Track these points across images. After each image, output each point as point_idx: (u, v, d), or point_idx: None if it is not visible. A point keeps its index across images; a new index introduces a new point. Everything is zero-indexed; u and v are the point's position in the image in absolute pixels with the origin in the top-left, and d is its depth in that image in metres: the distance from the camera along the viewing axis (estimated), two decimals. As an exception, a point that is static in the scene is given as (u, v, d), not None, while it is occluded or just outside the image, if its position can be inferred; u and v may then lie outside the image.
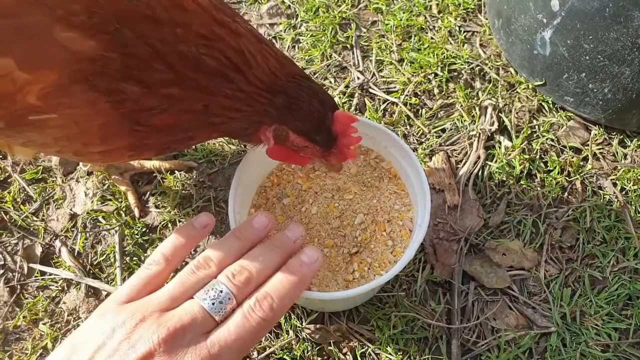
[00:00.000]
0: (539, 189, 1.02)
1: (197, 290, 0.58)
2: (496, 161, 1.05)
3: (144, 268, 0.61)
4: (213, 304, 0.56)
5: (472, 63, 1.17)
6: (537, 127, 1.10)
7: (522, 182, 1.03)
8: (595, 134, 1.09)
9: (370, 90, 1.14)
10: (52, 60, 0.55)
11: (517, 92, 1.14)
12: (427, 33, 1.22)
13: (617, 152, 1.07)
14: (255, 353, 0.88)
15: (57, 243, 0.99)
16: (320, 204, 0.81)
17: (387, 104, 1.13)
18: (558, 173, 1.04)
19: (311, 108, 0.65)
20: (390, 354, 0.87)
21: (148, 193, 1.03)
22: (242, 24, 0.63)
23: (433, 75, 1.15)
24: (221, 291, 0.57)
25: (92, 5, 0.55)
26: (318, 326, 0.88)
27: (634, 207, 1.00)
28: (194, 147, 1.07)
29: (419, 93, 1.14)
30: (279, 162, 0.85)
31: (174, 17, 0.58)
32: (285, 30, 1.23)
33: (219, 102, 0.62)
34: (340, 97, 1.12)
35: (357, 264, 0.77)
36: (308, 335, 0.88)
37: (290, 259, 0.62)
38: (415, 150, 1.07)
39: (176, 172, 1.04)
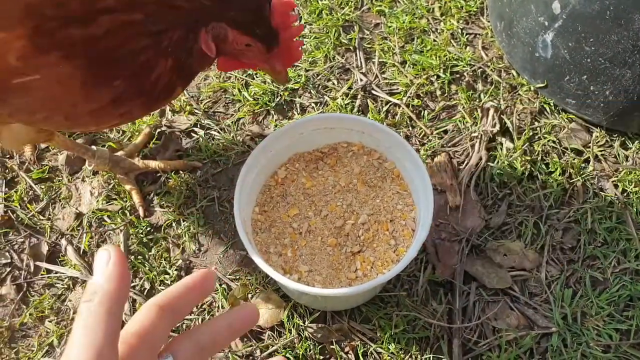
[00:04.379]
0: (540, 190, 1.03)
1: None
2: (498, 162, 1.06)
3: None
4: None
5: (474, 65, 1.18)
6: (538, 129, 1.11)
7: (523, 183, 1.04)
8: (597, 136, 1.10)
9: (373, 91, 1.15)
10: (21, 17, 0.54)
11: (518, 94, 1.15)
12: (429, 35, 1.23)
13: (618, 154, 1.08)
14: (258, 351, 0.88)
15: (63, 242, 1.00)
16: (324, 203, 0.82)
17: (390, 105, 1.14)
18: (559, 175, 1.04)
19: None
20: (391, 353, 0.87)
21: (152, 193, 1.04)
22: None
23: (435, 77, 1.16)
24: None
25: None
26: (320, 325, 0.89)
27: (635, 209, 1.01)
28: (198, 146, 1.08)
29: (422, 95, 1.15)
30: (284, 162, 0.86)
31: None
32: (289, 32, 1.24)
33: (149, 2, 0.59)
34: (343, 99, 1.13)
35: (360, 262, 0.77)
36: (310, 334, 0.89)
37: None
38: (417, 151, 1.08)
39: (180, 172, 1.05)
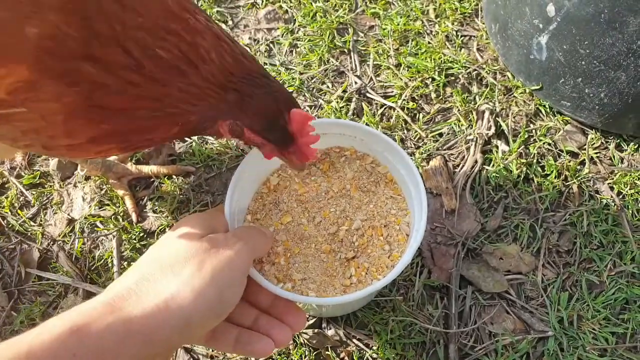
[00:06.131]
0: (536, 193, 1.03)
1: None
2: (493, 165, 1.05)
3: None
4: None
5: (469, 67, 1.17)
6: (534, 131, 1.11)
7: (519, 186, 1.03)
8: (592, 138, 1.10)
9: (368, 94, 1.15)
10: (23, 55, 0.55)
11: (514, 96, 1.15)
12: (424, 38, 1.22)
13: (613, 156, 1.08)
14: (253, 358, 0.88)
15: (55, 248, 0.99)
16: (317, 209, 0.81)
17: (385, 108, 1.13)
18: (555, 177, 1.04)
19: (263, 106, 0.64)
20: (387, 358, 0.87)
21: (145, 198, 1.03)
22: (203, 21, 0.64)
23: (430, 79, 1.16)
24: None
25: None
26: (316, 331, 0.88)
27: (630, 211, 1.01)
28: (191, 150, 1.07)
29: (416, 97, 1.14)
30: (276, 168, 0.85)
31: (135, 5, 0.59)
32: (282, 35, 1.23)
33: (173, 94, 0.62)
34: (337, 102, 1.12)
35: (355, 268, 0.77)
36: (306, 341, 0.88)
37: None
38: (412, 154, 1.07)
39: (174, 176, 1.04)
